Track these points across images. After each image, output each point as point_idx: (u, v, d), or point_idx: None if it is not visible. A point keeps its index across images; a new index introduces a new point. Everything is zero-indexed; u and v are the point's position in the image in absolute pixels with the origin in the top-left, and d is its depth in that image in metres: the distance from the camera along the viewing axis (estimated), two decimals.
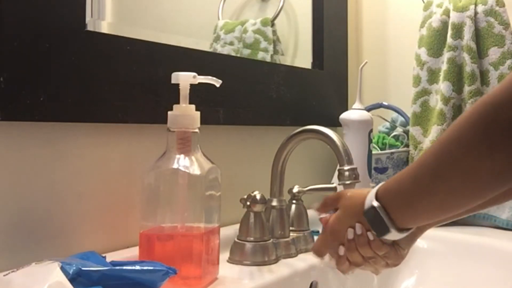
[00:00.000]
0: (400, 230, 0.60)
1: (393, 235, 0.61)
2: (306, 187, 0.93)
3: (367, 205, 0.61)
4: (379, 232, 0.61)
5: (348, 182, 0.80)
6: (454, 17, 1.15)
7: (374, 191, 0.62)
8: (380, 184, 0.62)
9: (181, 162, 0.71)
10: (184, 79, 0.73)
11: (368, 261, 0.65)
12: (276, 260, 0.84)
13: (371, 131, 1.06)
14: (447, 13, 1.17)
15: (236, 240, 0.83)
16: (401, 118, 1.25)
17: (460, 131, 0.52)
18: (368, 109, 1.17)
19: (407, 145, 1.20)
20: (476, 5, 1.14)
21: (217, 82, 0.76)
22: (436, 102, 1.15)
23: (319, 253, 0.68)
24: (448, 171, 0.53)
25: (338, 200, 0.67)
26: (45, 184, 0.71)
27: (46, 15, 0.68)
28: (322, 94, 1.21)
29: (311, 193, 0.94)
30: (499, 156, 0.49)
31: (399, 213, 0.60)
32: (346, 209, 0.66)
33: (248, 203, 0.83)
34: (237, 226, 0.84)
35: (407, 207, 0.59)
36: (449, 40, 1.15)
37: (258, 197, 0.83)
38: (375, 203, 0.60)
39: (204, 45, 0.99)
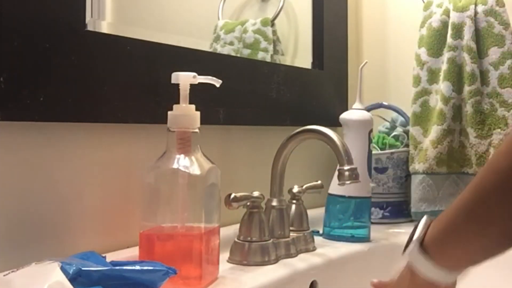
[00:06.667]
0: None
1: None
2: (302, 185, 0.94)
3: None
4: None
5: (348, 182, 0.80)
6: (454, 17, 1.15)
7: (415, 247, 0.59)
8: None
9: (181, 162, 0.71)
10: (184, 79, 0.73)
11: None
12: (276, 260, 0.84)
13: (371, 131, 1.06)
14: (447, 13, 1.17)
15: (236, 240, 0.83)
16: (401, 118, 1.25)
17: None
18: (368, 109, 1.17)
19: (407, 145, 1.20)
20: (476, 5, 1.14)
21: (217, 82, 0.76)
22: (436, 102, 1.15)
23: None
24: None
25: None
26: (45, 184, 0.71)
27: (46, 15, 0.68)
28: (322, 94, 1.21)
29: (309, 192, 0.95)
30: None
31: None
32: None
33: (248, 203, 0.83)
34: (237, 226, 0.84)
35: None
36: (449, 40, 1.15)
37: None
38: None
39: (204, 45, 0.99)
